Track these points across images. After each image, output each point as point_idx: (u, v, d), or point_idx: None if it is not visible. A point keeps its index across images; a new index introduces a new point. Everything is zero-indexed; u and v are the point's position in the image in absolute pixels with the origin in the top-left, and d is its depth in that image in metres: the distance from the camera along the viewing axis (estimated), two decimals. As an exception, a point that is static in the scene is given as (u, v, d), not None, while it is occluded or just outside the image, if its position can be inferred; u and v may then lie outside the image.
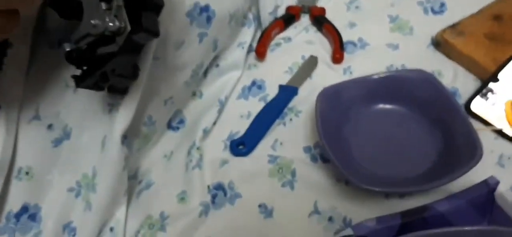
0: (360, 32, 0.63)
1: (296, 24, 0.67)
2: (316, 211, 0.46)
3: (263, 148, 0.52)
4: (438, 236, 0.37)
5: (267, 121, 0.55)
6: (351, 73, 0.59)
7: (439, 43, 0.59)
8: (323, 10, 0.67)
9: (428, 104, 0.50)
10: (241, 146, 0.52)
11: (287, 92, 0.57)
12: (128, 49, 0.36)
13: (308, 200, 0.47)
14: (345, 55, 0.61)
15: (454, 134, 0.47)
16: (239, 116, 0.56)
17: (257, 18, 0.66)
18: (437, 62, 0.58)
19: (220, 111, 0.56)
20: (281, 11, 0.67)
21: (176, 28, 0.48)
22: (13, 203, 0.45)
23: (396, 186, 0.46)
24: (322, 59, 0.61)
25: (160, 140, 0.55)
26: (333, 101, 0.51)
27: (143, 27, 0.34)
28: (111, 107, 0.46)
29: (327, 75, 0.58)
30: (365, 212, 0.44)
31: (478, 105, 0.52)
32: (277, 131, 0.54)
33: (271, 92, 0.58)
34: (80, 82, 0.39)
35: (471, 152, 0.43)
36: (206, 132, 0.54)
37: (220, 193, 0.49)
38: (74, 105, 0.47)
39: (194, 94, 0.58)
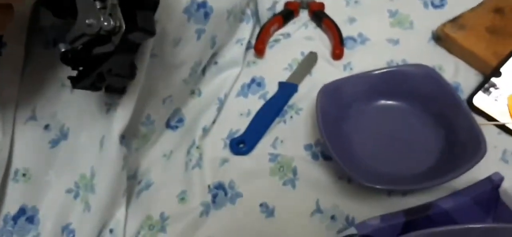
0: (360, 27, 0.62)
1: (295, 20, 0.66)
2: (318, 209, 0.46)
3: (264, 146, 0.52)
4: (443, 234, 0.36)
5: (267, 119, 0.54)
6: (351, 69, 0.58)
7: (439, 38, 0.58)
8: (322, 5, 0.66)
9: (430, 99, 0.50)
10: (241, 144, 0.52)
11: (287, 89, 0.57)
12: (124, 49, 0.35)
13: (309, 198, 0.46)
14: (345, 50, 0.60)
15: (457, 130, 0.47)
16: (239, 114, 0.55)
17: (255, 14, 0.65)
18: (438, 56, 0.57)
19: (219, 109, 0.55)
20: (279, 7, 0.66)
21: (173, 25, 0.47)
22: (10, 206, 0.45)
23: (399, 183, 0.45)
24: (321, 55, 0.60)
25: (159, 140, 0.54)
26: (333, 97, 0.50)
27: (138, 26, 0.34)
28: (109, 107, 0.45)
29: (327, 72, 0.58)
30: (368, 210, 0.44)
31: (480, 100, 0.51)
32: (277, 129, 0.53)
33: (271, 89, 0.57)
34: (76, 83, 0.38)
35: (474, 148, 0.43)
36: (205, 131, 0.53)
37: (220, 192, 0.48)
38: (71, 105, 0.47)
39: (192, 92, 0.57)
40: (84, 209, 0.45)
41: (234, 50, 0.60)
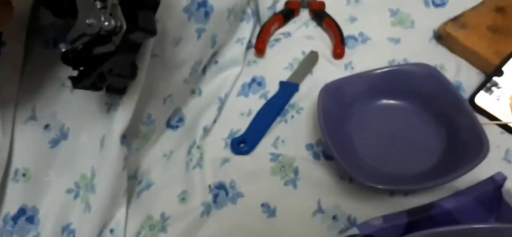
0: (360, 26, 0.62)
1: (295, 19, 0.66)
2: (319, 209, 0.45)
3: (265, 146, 0.52)
4: (445, 234, 0.36)
5: (268, 118, 0.54)
6: (352, 68, 0.58)
7: (441, 37, 0.58)
8: (322, 4, 0.65)
9: (432, 98, 0.50)
10: (242, 144, 0.51)
11: (288, 89, 0.56)
12: (125, 49, 0.35)
13: (311, 198, 0.46)
14: (346, 50, 0.60)
15: (459, 129, 0.46)
16: (240, 114, 0.55)
17: (256, 13, 0.65)
18: (439, 56, 0.57)
19: (220, 109, 0.55)
20: (280, 6, 0.66)
21: (174, 25, 0.47)
22: (10, 206, 0.45)
23: (401, 183, 0.45)
24: (322, 54, 0.60)
25: (159, 139, 0.54)
26: (335, 97, 0.50)
27: (139, 26, 0.33)
28: (109, 107, 0.45)
29: (328, 71, 0.57)
30: (369, 210, 0.44)
31: (482, 99, 0.51)
32: (278, 129, 0.53)
33: (272, 88, 0.57)
34: (77, 83, 0.38)
35: (477, 147, 0.43)
36: (206, 131, 0.53)
37: (221, 192, 0.48)
38: (71, 105, 0.46)
39: (193, 92, 0.57)
40: (85, 209, 0.44)
41: (235, 50, 0.59)
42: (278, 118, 0.54)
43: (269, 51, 0.62)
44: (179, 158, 0.52)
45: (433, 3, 0.62)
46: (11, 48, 0.43)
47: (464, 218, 0.41)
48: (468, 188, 0.42)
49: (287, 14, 0.65)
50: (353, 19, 0.63)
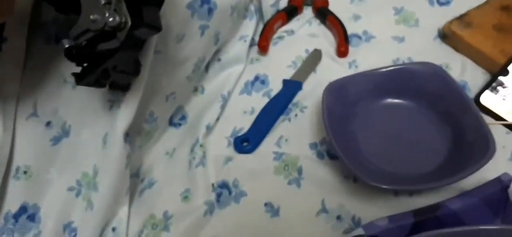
0: (364, 24, 0.62)
1: (298, 16, 0.65)
2: (324, 209, 0.45)
3: (268, 145, 0.51)
4: (452, 235, 0.36)
5: (271, 117, 0.53)
6: (356, 66, 0.57)
7: (446, 35, 0.58)
8: (326, 1, 0.65)
9: (437, 97, 0.49)
10: (246, 143, 0.51)
11: (292, 87, 0.56)
12: (130, 45, 0.34)
13: (315, 198, 0.46)
14: (350, 48, 0.59)
15: (464, 129, 0.46)
16: (243, 112, 0.55)
17: (259, 11, 0.64)
18: (444, 54, 0.56)
19: (223, 107, 0.55)
20: (283, 3, 0.66)
21: (177, 21, 0.47)
22: (11, 203, 0.44)
23: (406, 183, 0.44)
24: (326, 52, 0.59)
25: (161, 137, 0.53)
26: (339, 95, 0.50)
27: (144, 22, 0.33)
28: (112, 104, 0.44)
29: (332, 69, 0.57)
30: (374, 210, 0.43)
31: (488, 99, 0.50)
32: (282, 127, 0.52)
33: (275, 87, 0.57)
34: (80, 79, 0.37)
35: (483, 147, 0.42)
36: (209, 129, 0.53)
37: (224, 191, 0.47)
38: (73, 102, 0.46)
39: (195, 89, 0.56)
40: (87, 207, 0.44)
41: (238, 47, 0.59)
42: (282, 117, 0.54)
43: (272, 49, 0.61)
44: (181, 156, 0.51)
45: (438, 1, 0.62)
46: (12, 43, 0.43)
47: (470, 219, 0.41)
48: (474, 189, 0.42)
49: (291, 12, 0.64)
50: (357, 17, 0.63)
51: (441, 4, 0.61)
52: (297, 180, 0.48)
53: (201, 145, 0.51)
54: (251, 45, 0.61)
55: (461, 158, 0.44)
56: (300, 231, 0.44)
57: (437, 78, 0.50)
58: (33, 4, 0.44)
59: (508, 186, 0.41)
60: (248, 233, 0.45)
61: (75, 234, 0.44)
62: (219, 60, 0.58)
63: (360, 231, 0.39)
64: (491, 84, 0.51)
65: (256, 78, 0.58)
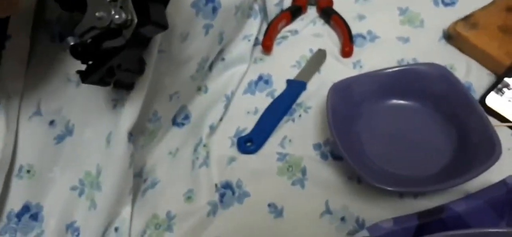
0: (369, 24, 0.61)
1: (303, 16, 0.65)
2: (327, 210, 0.45)
3: (272, 145, 0.51)
4: (458, 238, 0.35)
5: (275, 117, 0.53)
6: (361, 67, 0.57)
7: (451, 36, 0.57)
8: (330, 1, 0.65)
9: (442, 99, 0.49)
10: (249, 143, 0.51)
11: (295, 87, 0.56)
12: (135, 43, 0.34)
13: (319, 199, 0.46)
14: (355, 48, 0.59)
15: (469, 131, 0.46)
16: (246, 112, 0.54)
17: (263, 10, 0.64)
18: (449, 55, 0.56)
19: (226, 107, 0.55)
20: (287, 3, 0.65)
21: (181, 20, 0.46)
22: (14, 202, 0.44)
23: (411, 185, 0.44)
24: (330, 52, 0.59)
25: (164, 137, 0.53)
26: (344, 96, 0.49)
27: (151, 20, 0.32)
28: (116, 103, 0.44)
29: (337, 69, 0.57)
30: (378, 212, 0.43)
31: (493, 101, 0.50)
32: (285, 128, 0.52)
33: (279, 87, 0.56)
34: (85, 77, 0.37)
35: (488, 149, 0.42)
36: (212, 129, 0.52)
37: (228, 191, 0.47)
38: (77, 100, 0.46)
39: (199, 89, 0.56)
40: (90, 207, 0.44)
41: (241, 46, 0.59)
42: (285, 117, 0.53)
43: (276, 49, 0.61)
44: (185, 156, 0.51)
45: (443, 2, 0.61)
46: (16, 41, 0.43)
47: (475, 221, 0.40)
48: (479, 191, 0.42)
49: (295, 11, 0.64)
50: (361, 17, 0.62)
51: (446, 4, 0.61)
52: (301, 180, 0.47)
53: (204, 145, 0.51)
54: (255, 45, 0.60)
55: (466, 160, 0.44)
56: (303, 232, 0.44)
57: (442, 79, 0.49)
58: (37, 2, 0.44)
59: (513, 189, 0.40)
60: (252, 234, 0.45)
61: (78, 234, 0.44)
62: (223, 59, 0.58)
63: (364, 233, 0.39)
64: (497, 85, 0.51)
65: (260, 78, 0.58)
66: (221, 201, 0.47)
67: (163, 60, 0.46)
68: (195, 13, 0.47)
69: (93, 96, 0.45)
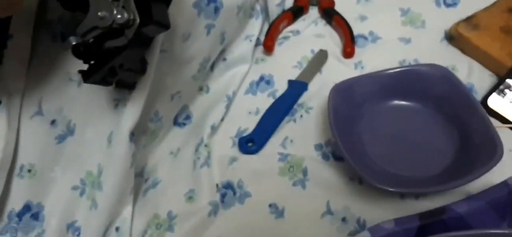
0: (371, 25, 0.61)
1: (304, 16, 0.65)
2: (328, 211, 0.45)
3: (273, 145, 0.51)
4: (459, 239, 0.35)
5: (276, 117, 0.53)
6: (362, 67, 0.57)
7: (453, 37, 0.57)
8: (332, 2, 0.65)
9: (444, 100, 0.49)
10: (250, 143, 0.51)
11: (297, 88, 0.56)
12: (137, 43, 0.34)
13: (320, 199, 0.46)
14: (356, 49, 0.59)
15: (471, 132, 0.46)
16: (247, 112, 0.54)
17: (265, 10, 0.64)
18: (451, 56, 0.56)
19: (227, 107, 0.55)
20: (289, 3, 0.65)
21: (183, 20, 0.46)
22: (15, 202, 0.44)
23: (412, 186, 0.44)
24: (332, 53, 0.59)
25: (166, 137, 0.53)
26: (345, 97, 0.49)
27: (153, 19, 0.33)
28: (117, 102, 0.44)
29: (338, 70, 0.57)
30: (380, 212, 0.43)
31: (495, 102, 0.50)
32: (287, 128, 0.52)
33: (280, 87, 0.56)
34: (87, 77, 0.37)
35: (490, 151, 0.42)
36: (214, 129, 0.52)
37: (229, 192, 0.47)
38: (78, 100, 0.46)
39: (200, 89, 0.56)
40: (91, 207, 0.44)
41: (243, 47, 0.59)
42: (287, 118, 0.53)
43: (277, 49, 0.61)
44: (186, 156, 0.51)
45: (445, 3, 0.61)
46: (18, 41, 0.43)
47: (477, 222, 0.40)
48: (480, 192, 0.42)
49: (296, 12, 0.64)
50: (363, 18, 0.62)
51: (448, 5, 0.61)
52: (302, 181, 0.47)
53: (205, 145, 0.51)
54: (256, 45, 0.60)
55: (467, 161, 0.44)
56: (304, 232, 0.44)
57: (444, 80, 0.49)
58: (39, 1, 0.44)
59: (515, 190, 0.40)
60: (252, 234, 0.45)
61: (79, 234, 0.44)
62: (224, 59, 0.58)
63: (366, 233, 0.39)
64: (499, 86, 0.51)
65: (261, 78, 0.58)
66: (222, 201, 0.47)
67: (165, 60, 0.46)
68: (197, 13, 0.47)
69: (95, 95, 0.45)
